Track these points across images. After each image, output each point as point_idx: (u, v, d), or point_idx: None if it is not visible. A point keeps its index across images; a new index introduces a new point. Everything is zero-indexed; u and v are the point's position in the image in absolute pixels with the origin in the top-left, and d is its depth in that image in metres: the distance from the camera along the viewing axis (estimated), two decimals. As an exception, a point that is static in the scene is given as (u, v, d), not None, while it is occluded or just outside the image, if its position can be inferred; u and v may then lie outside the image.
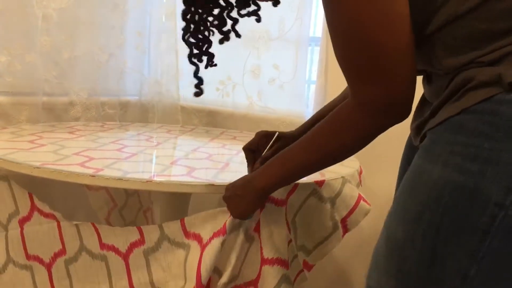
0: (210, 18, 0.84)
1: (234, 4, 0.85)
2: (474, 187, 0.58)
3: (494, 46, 0.60)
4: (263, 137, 1.02)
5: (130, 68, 2.01)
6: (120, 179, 0.95)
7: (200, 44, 0.85)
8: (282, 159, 0.82)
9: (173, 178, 1.04)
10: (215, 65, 0.88)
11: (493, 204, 0.57)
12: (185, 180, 1.00)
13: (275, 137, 1.02)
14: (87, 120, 1.80)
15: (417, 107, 0.84)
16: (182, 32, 0.85)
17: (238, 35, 0.88)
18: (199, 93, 0.90)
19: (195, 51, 0.86)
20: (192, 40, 0.85)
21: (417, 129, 0.75)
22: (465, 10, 0.62)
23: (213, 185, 0.98)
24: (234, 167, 1.20)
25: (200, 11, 0.82)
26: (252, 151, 1.03)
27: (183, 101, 2.07)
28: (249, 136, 1.79)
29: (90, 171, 0.98)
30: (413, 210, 0.65)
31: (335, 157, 0.77)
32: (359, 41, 0.63)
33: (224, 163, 1.24)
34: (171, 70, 2.04)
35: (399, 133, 0.92)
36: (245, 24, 0.92)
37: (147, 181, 0.97)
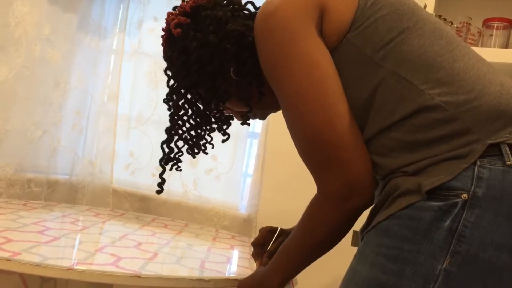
0: (192, 133, 0.94)
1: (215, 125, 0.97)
2: (394, 286, 0.63)
3: (416, 157, 0.68)
4: (268, 232, 1.06)
5: (63, 146, 1.96)
6: (37, 265, 0.89)
7: (174, 152, 0.94)
8: (283, 255, 0.85)
9: (95, 267, 0.98)
10: (180, 170, 0.97)
11: None
12: (108, 270, 0.94)
13: (277, 232, 1.06)
14: (10, 197, 1.70)
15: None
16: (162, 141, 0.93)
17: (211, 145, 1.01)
18: (160, 191, 0.96)
19: (166, 157, 0.93)
20: (166, 148, 0.93)
21: (360, 232, 0.80)
22: (389, 123, 0.70)
23: (139, 276, 0.93)
24: (163, 257, 1.16)
25: (180, 123, 0.91)
26: (260, 246, 1.05)
27: (115, 184, 2.02)
28: (181, 225, 1.77)
29: (6, 255, 0.91)
30: None
31: (322, 248, 0.80)
32: (308, 139, 0.73)
33: (153, 253, 1.19)
34: (107, 151, 2.01)
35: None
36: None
37: (67, 269, 0.90)
